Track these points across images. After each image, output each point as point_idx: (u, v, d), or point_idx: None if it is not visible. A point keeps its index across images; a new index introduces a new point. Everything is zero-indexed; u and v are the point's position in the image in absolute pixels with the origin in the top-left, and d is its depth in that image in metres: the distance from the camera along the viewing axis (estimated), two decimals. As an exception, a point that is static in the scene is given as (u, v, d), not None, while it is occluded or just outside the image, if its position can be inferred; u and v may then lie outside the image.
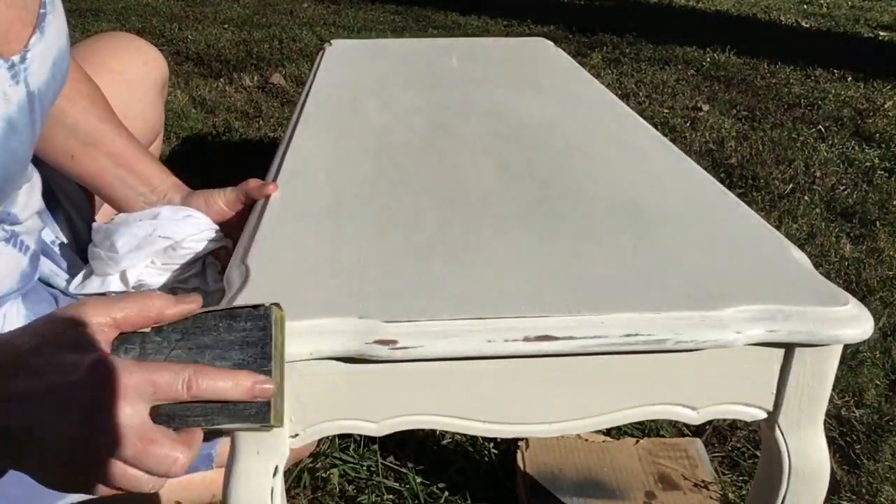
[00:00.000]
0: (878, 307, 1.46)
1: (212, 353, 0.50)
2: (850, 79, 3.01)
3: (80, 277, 0.85)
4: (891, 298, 1.50)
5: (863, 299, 1.47)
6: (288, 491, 1.02)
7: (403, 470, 1.06)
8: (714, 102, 2.71)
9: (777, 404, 0.59)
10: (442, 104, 1.08)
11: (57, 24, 0.73)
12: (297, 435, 0.58)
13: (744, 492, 1.03)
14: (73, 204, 0.96)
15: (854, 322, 0.56)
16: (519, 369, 0.56)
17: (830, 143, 2.33)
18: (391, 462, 1.08)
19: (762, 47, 3.41)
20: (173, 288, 0.83)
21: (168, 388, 0.48)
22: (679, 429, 1.15)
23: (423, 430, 1.09)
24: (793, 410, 0.59)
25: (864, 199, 1.94)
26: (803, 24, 4.13)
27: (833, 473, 0.99)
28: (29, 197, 0.80)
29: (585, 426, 0.60)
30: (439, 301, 0.57)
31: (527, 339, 0.54)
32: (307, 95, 1.12)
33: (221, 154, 2.17)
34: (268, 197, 0.76)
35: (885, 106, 2.66)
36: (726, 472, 1.08)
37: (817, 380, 0.58)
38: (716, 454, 1.11)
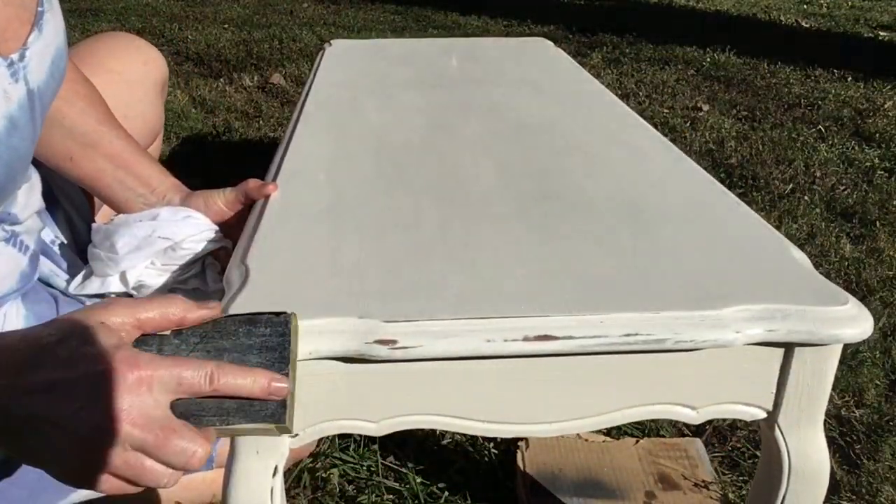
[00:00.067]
0: (878, 307, 1.46)
1: (230, 357, 0.51)
2: (850, 79, 3.01)
3: (79, 278, 0.85)
4: (891, 298, 1.50)
5: (863, 299, 1.47)
6: (288, 491, 1.02)
7: (403, 470, 1.06)
8: (714, 102, 2.71)
9: (777, 404, 0.59)
10: (442, 104, 1.08)
11: (55, 22, 0.73)
12: (296, 435, 0.58)
13: (744, 492, 1.03)
14: (73, 204, 0.96)
15: (854, 322, 0.56)
16: (518, 369, 0.56)
17: (830, 143, 2.33)
18: (391, 462, 1.08)
19: (762, 47, 3.41)
20: (173, 288, 0.83)
21: (192, 380, 0.48)
22: (679, 429, 1.15)
23: (423, 430, 1.09)
24: (792, 410, 0.59)
25: (864, 199, 1.94)
26: (803, 24, 4.13)
27: (833, 473, 0.99)
28: (29, 197, 0.80)
29: (585, 426, 0.60)
30: (439, 301, 0.57)
31: (526, 339, 0.54)
32: (307, 95, 1.12)
33: (221, 154, 2.17)
34: (267, 197, 0.76)
35: (885, 106, 2.66)
36: (726, 472, 1.08)
37: (817, 379, 0.58)
38: (716, 454, 1.11)
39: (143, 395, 0.47)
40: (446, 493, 1.03)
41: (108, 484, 0.48)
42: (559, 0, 4.78)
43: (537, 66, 1.34)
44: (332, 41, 1.52)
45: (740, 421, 1.13)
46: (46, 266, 0.87)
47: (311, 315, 0.55)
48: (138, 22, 3.85)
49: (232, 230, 0.85)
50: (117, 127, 0.89)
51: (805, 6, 4.69)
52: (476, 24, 4.03)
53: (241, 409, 0.50)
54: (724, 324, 0.55)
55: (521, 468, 1.01)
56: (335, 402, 0.57)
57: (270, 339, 0.51)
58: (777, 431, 0.60)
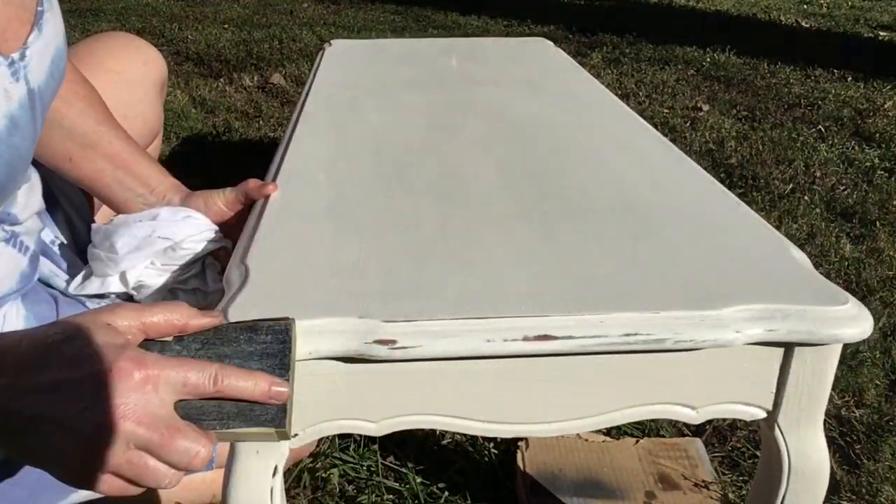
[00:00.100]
0: (878, 307, 1.46)
1: (231, 363, 0.51)
2: (850, 79, 3.01)
3: (79, 278, 0.85)
4: (891, 298, 1.50)
5: (863, 299, 1.47)
6: (288, 491, 1.02)
7: (403, 470, 1.06)
8: (714, 102, 2.71)
9: (777, 404, 0.59)
10: (442, 104, 1.08)
11: (54, 22, 0.73)
12: (296, 435, 0.58)
13: (744, 492, 1.03)
14: (73, 205, 0.96)
15: (853, 321, 0.56)
16: (518, 369, 0.56)
17: (830, 143, 2.33)
18: (391, 462, 1.08)
19: (762, 47, 3.41)
20: (173, 289, 0.83)
21: (196, 381, 0.49)
22: (679, 429, 1.15)
23: (422, 430, 1.09)
24: (792, 410, 0.59)
25: (864, 199, 1.94)
26: (803, 24, 4.13)
27: (833, 473, 0.99)
28: (28, 197, 0.80)
29: (585, 426, 0.60)
30: (438, 301, 0.57)
31: (526, 339, 0.54)
32: (307, 95, 1.12)
33: (221, 154, 2.17)
34: (267, 197, 0.76)
35: (885, 106, 2.66)
36: (726, 472, 1.08)
37: (817, 379, 0.58)
38: (716, 454, 1.11)
39: (148, 394, 0.47)
40: (446, 493, 1.03)
41: (110, 484, 0.48)
42: (559, 0, 4.78)
43: (537, 66, 1.34)
44: (332, 41, 1.52)
45: (740, 421, 1.13)
46: (46, 266, 0.87)
47: (311, 315, 0.55)
48: (138, 22, 3.85)
49: (232, 230, 0.85)
50: (117, 127, 0.89)
51: (805, 6, 4.69)
52: (476, 24, 4.03)
53: (242, 413, 0.50)
54: (723, 324, 0.55)
55: (521, 468, 1.01)
56: (335, 402, 0.57)
57: (271, 346, 0.52)
58: (777, 431, 0.60)
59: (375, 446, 1.10)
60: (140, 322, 0.51)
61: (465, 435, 1.08)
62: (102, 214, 1.01)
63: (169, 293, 0.83)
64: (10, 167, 0.68)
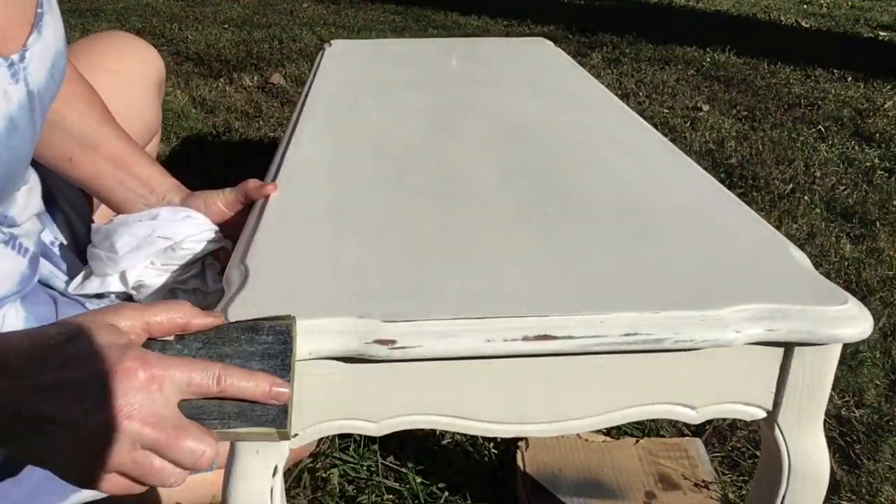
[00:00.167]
0: (878, 307, 1.46)
1: (232, 363, 0.51)
2: (850, 79, 3.01)
3: (79, 278, 0.85)
4: (891, 298, 1.50)
5: (863, 299, 1.47)
6: (288, 491, 1.02)
7: (403, 470, 1.06)
8: (714, 102, 2.71)
9: (777, 403, 0.59)
10: (442, 104, 1.08)
11: (54, 24, 0.73)
12: (296, 435, 0.58)
13: (744, 492, 1.03)
14: (72, 205, 0.96)
15: (853, 321, 0.56)
16: (518, 369, 0.56)
17: (830, 143, 2.33)
18: (391, 462, 1.08)
19: (762, 47, 3.41)
20: (173, 289, 0.83)
21: (200, 380, 0.49)
22: (679, 429, 1.15)
23: (423, 430, 1.09)
24: (792, 410, 0.59)
25: (864, 199, 1.94)
26: (803, 24, 4.13)
27: (833, 473, 0.99)
28: (28, 199, 0.80)
29: (585, 426, 0.60)
30: (439, 301, 0.57)
31: (526, 339, 0.54)
32: (307, 95, 1.12)
33: (221, 154, 2.17)
34: (267, 197, 0.76)
35: (885, 106, 2.66)
36: (726, 472, 1.08)
37: (817, 379, 0.58)
38: (716, 454, 1.11)
39: (153, 394, 0.47)
40: (446, 493, 1.03)
41: (114, 483, 0.48)
42: (559, 0, 4.78)
43: (537, 66, 1.34)
44: (332, 41, 1.53)
45: (740, 421, 1.13)
46: (46, 267, 0.87)
47: (311, 315, 0.55)
48: (138, 22, 3.85)
49: (232, 231, 0.85)
50: (117, 128, 0.89)
51: (805, 6, 4.69)
52: (476, 24, 4.03)
53: (243, 413, 0.50)
54: (723, 323, 0.55)
55: (521, 468, 1.01)
56: (335, 402, 0.57)
57: (273, 347, 0.52)
58: (777, 431, 0.60)
59: (375, 446, 1.10)
60: (143, 321, 0.51)
61: (465, 435, 1.08)
62: (101, 214, 1.01)
63: (169, 293, 0.83)
64: (9, 169, 0.67)
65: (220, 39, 3.46)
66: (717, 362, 0.57)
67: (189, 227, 0.83)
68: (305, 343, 0.53)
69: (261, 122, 2.44)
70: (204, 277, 0.83)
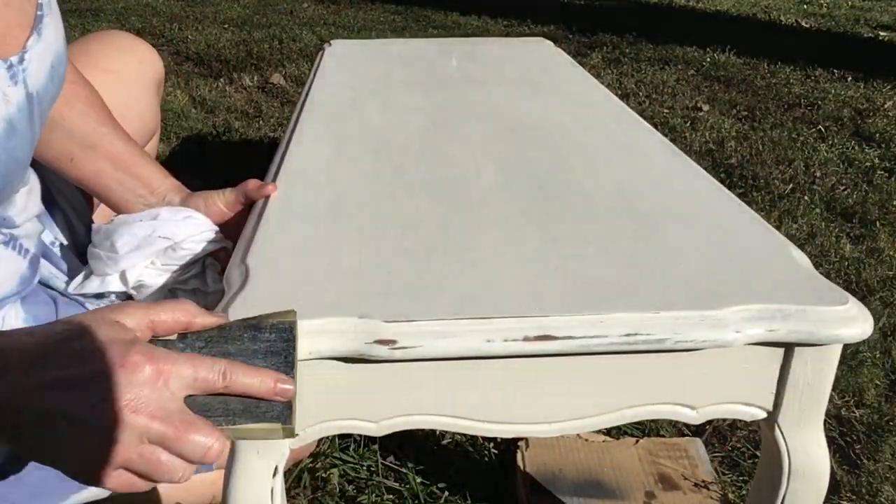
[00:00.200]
0: (878, 307, 1.46)
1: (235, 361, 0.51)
2: (850, 79, 3.01)
3: (79, 278, 0.85)
4: (891, 298, 1.50)
5: (863, 299, 1.47)
6: (288, 491, 1.02)
7: (403, 470, 1.06)
8: (714, 102, 2.71)
9: (777, 404, 0.59)
10: (442, 104, 1.08)
11: (54, 26, 0.73)
12: (297, 435, 0.58)
13: (744, 492, 1.03)
14: (72, 205, 0.96)
15: (854, 322, 0.56)
16: (519, 369, 0.56)
17: (830, 143, 2.33)
18: (391, 462, 1.08)
19: (762, 47, 3.41)
20: (173, 289, 0.83)
21: (206, 376, 0.49)
22: (679, 429, 1.15)
23: (423, 430, 1.09)
24: (793, 410, 0.59)
25: (864, 199, 1.94)
26: (803, 24, 4.13)
27: (833, 473, 0.99)
28: (27, 201, 0.80)
29: (585, 426, 0.60)
30: (439, 301, 0.57)
31: (526, 339, 0.54)
32: (307, 95, 1.12)
33: (221, 154, 2.17)
34: (267, 197, 0.76)
35: (885, 106, 2.66)
36: (726, 472, 1.08)
37: (817, 379, 0.58)
38: (716, 454, 1.11)
39: (160, 389, 0.47)
40: (446, 493, 1.03)
41: (120, 480, 0.48)
42: (559, 0, 4.78)
43: (537, 66, 1.34)
44: (332, 41, 1.52)
45: (740, 421, 1.13)
46: (45, 268, 0.86)
47: (312, 315, 0.55)
48: (138, 22, 3.85)
49: (232, 231, 0.85)
50: (117, 128, 0.89)
51: (805, 6, 4.69)
52: (476, 24, 4.03)
53: (247, 409, 0.50)
54: (724, 324, 0.55)
55: (521, 468, 1.01)
56: (335, 402, 0.57)
57: (275, 345, 0.52)
58: (777, 431, 0.60)
59: (375, 446, 1.10)
60: (148, 319, 0.51)
61: (465, 435, 1.08)
62: (101, 214, 1.01)
63: (169, 293, 0.83)
64: (7, 171, 0.67)
65: (220, 39, 3.46)
66: (717, 362, 0.57)
67: (189, 228, 0.83)
68: (306, 343, 0.53)
69: (261, 122, 2.44)
70: (204, 278, 0.83)
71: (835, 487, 1.04)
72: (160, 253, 0.81)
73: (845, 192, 1.98)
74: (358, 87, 1.17)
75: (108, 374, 0.46)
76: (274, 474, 0.57)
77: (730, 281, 0.59)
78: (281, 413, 0.50)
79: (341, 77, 1.24)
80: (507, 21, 4.09)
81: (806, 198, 1.94)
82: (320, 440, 1.08)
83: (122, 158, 0.87)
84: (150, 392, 0.47)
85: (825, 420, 0.61)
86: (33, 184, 0.83)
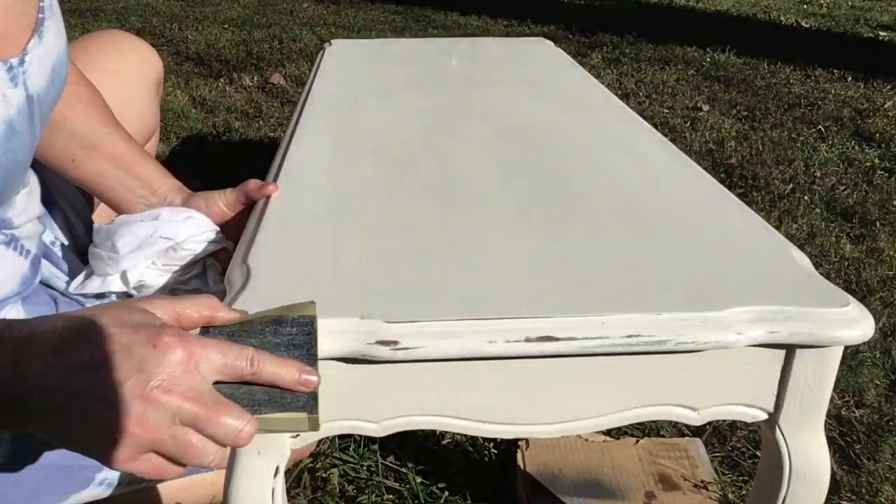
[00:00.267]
0: (878, 307, 1.46)
1: None
2: (850, 79, 3.01)
3: (80, 278, 0.85)
4: (891, 298, 1.50)
5: (863, 299, 1.47)
6: (288, 491, 1.02)
7: (403, 470, 1.06)
8: (714, 102, 2.71)
9: (778, 405, 0.59)
10: (442, 104, 1.08)
11: (55, 29, 0.73)
12: (297, 435, 0.58)
13: (744, 492, 1.03)
14: (72, 206, 0.96)
15: (855, 324, 0.56)
16: (520, 370, 0.56)
17: (830, 143, 2.33)
18: (391, 462, 1.08)
19: (762, 47, 3.41)
20: (174, 289, 0.83)
21: (235, 362, 0.49)
22: (679, 429, 1.15)
23: (423, 430, 1.09)
24: (794, 412, 0.59)
25: (864, 199, 1.94)
26: (803, 24, 4.13)
27: (833, 473, 0.99)
28: (27, 202, 0.80)
29: (586, 427, 0.60)
30: (441, 301, 0.57)
31: (528, 340, 0.54)
32: (307, 95, 1.12)
33: (221, 154, 2.17)
34: (268, 197, 0.76)
35: (885, 106, 2.66)
36: (726, 472, 1.08)
37: (818, 381, 0.58)
38: (716, 454, 1.11)
39: (191, 371, 0.47)
40: (446, 493, 1.03)
41: (150, 463, 0.48)
42: (559, 0, 4.78)
43: (537, 66, 1.34)
44: (332, 41, 1.52)
45: (740, 421, 1.13)
46: (46, 268, 0.86)
47: (313, 316, 0.54)
48: (138, 22, 3.85)
49: (233, 231, 0.85)
50: (118, 128, 0.89)
51: (805, 6, 4.69)
52: (476, 24, 4.03)
53: (273, 399, 0.50)
54: (725, 325, 0.55)
55: (522, 468, 1.01)
56: (337, 402, 0.57)
57: (297, 338, 0.52)
58: (778, 433, 0.60)
59: (375, 446, 1.10)
60: (174, 312, 0.51)
61: (465, 435, 1.08)
62: (102, 215, 1.01)
63: (170, 294, 0.83)
64: (7, 173, 0.67)
65: (220, 39, 3.46)
66: (718, 364, 0.57)
67: (190, 228, 0.83)
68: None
69: (261, 122, 2.44)
70: (205, 278, 0.83)
71: (835, 487, 1.04)
72: (161, 253, 0.81)
73: (845, 192, 1.98)
74: (358, 87, 1.17)
75: (140, 354, 0.46)
76: (275, 474, 0.57)
77: (731, 282, 0.59)
78: (306, 403, 0.50)
79: (341, 77, 1.24)
80: (507, 21, 4.09)
81: (806, 198, 1.94)
82: (320, 440, 1.08)
83: (124, 159, 0.87)
84: (182, 373, 0.47)
85: (825, 420, 0.61)
86: (33, 185, 0.83)
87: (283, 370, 0.50)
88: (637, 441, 1.07)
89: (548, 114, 1.04)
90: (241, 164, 2.01)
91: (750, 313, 0.56)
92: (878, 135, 2.39)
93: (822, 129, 2.44)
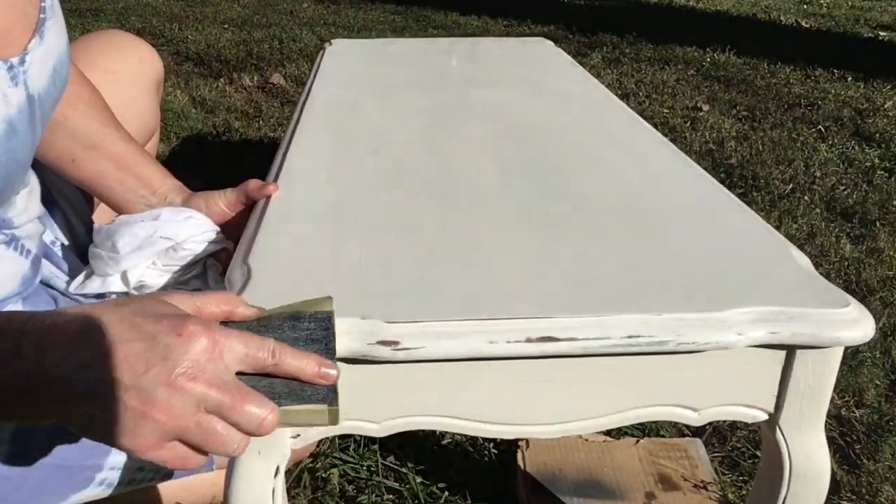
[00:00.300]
0: (878, 307, 1.46)
1: None
2: (850, 79, 3.01)
3: (80, 278, 0.85)
4: (891, 298, 1.50)
5: (863, 299, 1.47)
6: (288, 491, 1.02)
7: (403, 470, 1.06)
8: (714, 102, 2.71)
9: (778, 406, 0.59)
10: (442, 104, 1.08)
11: (57, 29, 0.73)
12: (298, 435, 0.58)
13: (744, 492, 1.03)
14: (72, 205, 0.96)
15: (856, 324, 0.56)
16: (521, 370, 0.56)
17: (830, 143, 2.33)
18: (391, 462, 1.08)
19: (762, 47, 3.41)
20: (174, 289, 0.83)
21: (257, 353, 0.49)
22: (679, 429, 1.15)
23: (423, 430, 1.09)
24: (794, 412, 0.59)
25: (864, 199, 1.94)
26: (803, 24, 4.13)
27: (833, 473, 0.99)
28: (28, 202, 0.80)
29: (587, 427, 0.60)
30: (441, 302, 0.57)
31: (529, 341, 0.54)
32: (307, 95, 1.12)
33: (221, 154, 2.17)
34: (268, 197, 0.76)
35: (885, 106, 2.66)
36: (726, 472, 1.08)
37: (819, 382, 0.58)
38: (716, 454, 1.11)
39: (216, 360, 0.47)
40: (446, 493, 1.03)
41: (174, 452, 0.48)
42: (559, 0, 4.78)
43: (537, 66, 1.34)
44: (332, 41, 1.52)
45: (740, 421, 1.13)
46: (46, 268, 0.86)
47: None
48: (138, 22, 3.85)
49: (233, 231, 0.85)
50: (119, 128, 0.89)
51: (805, 6, 4.69)
52: (476, 24, 4.03)
53: (293, 392, 0.50)
54: (726, 326, 0.55)
55: (522, 468, 1.01)
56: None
57: (315, 333, 0.52)
58: (778, 433, 0.60)
59: (375, 446, 1.10)
60: (195, 306, 0.51)
61: (465, 435, 1.08)
62: (102, 214, 1.01)
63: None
64: (8, 173, 0.67)
65: (220, 39, 3.46)
66: (718, 364, 0.57)
67: (191, 228, 0.82)
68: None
69: (261, 122, 2.44)
70: (205, 278, 0.83)
71: (835, 487, 1.04)
72: (161, 253, 0.81)
73: (845, 192, 1.98)
74: (358, 87, 1.17)
75: (165, 343, 0.46)
76: (275, 474, 0.57)
77: (731, 283, 0.59)
78: (327, 395, 0.51)
79: (341, 77, 1.24)
80: (507, 21, 4.09)
81: (806, 198, 1.94)
82: (320, 440, 1.08)
83: (124, 159, 0.87)
84: (207, 362, 0.47)
85: (825, 420, 0.61)
86: (34, 185, 0.83)
87: (303, 363, 0.50)
88: (637, 441, 1.07)
89: (548, 114, 1.04)
90: (241, 164, 2.01)
91: (751, 314, 0.56)
92: (878, 135, 2.40)
93: (822, 129, 2.44)
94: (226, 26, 3.81)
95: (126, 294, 0.83)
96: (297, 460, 1.05)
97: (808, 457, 0.61)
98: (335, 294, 0.58)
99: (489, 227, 0.69)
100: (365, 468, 1.07)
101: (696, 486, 1.00)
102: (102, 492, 0.80)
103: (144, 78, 1.10)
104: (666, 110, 2.61)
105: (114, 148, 0.87)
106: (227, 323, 0.52)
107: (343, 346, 0.53)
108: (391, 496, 1.03)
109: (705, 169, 0.85)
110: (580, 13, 4.38)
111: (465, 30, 3.90)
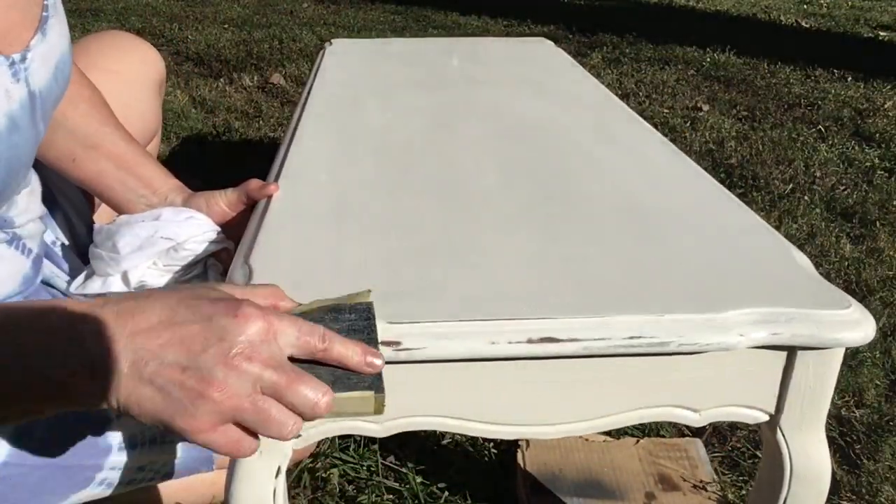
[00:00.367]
0: (878, 307, 1.46)
1: None
2: (850, 79, 3.01)
3: (81, 278, 0.85)
4: (891, 298, 1.50)
5: (863, 299, 1.47)
6: (288, 491, 1.02)
7: (403, 470, 1.06)
8: (714, 102, 2.71)
9: (779, 407, 0.59)
10: (442, 104, 1.08)
11: (59, 28, 0.73)
12: (299, 435, 0.58)
13: (744, 492, 1.03)
14: (73, 205, 0.96)
15: (856, 325, 0.56)
16: (522, 371, 0.56)
17: (830, 143, 2.33)
18: (391, 462, 1.08)
19: (762, 47, 3.41)
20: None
21: (308, 337, 0.49)
22: (679, 429, 1.15)
23: (423, 430, 1.09)
24: (795, 413, 0.59)
25: (864, 199, 1.94)
26: (803, 24, 4.13)
27: (833, 473, 0.99)
28: (29, 202, 0.80)
29: (588, 428, 0.60)
30: (442, 302, 0.57)
31: (530, 341, 0.54)
32: (307, 95, 1.12)
33: (221, 154, 2.17)
34: (269, 197, 0.76)
35: (885, 106, 2.66)
36: (726, 472, 1.08)
37: (819, 383, 0.58)
38: (716, 454, 1.11)
39: (270, 342, 0.48)
40: (446, 493, 1.03)
41: (227, 436, 0.47)
42: (559, 0, 4.78)
43: (537, 66, 1.34)
44: (332, 41, 1.52)
45: (741, 421, 1.13)
46: (47, 267, 0.86)
47: (315, 317, 0.54)
48: (138, 22, 3.85)
49: (234, 231, 0.85)
50: (120, 128, 0.89)
51: (805, 6, 4.69)
52: (476, 24, 4.03)
53: (340, 380, 0.50)
54: (727, 327, 0.55)
55: (522, 468, 1.01)
56: (338, 403, 0.57)
57: (357, 323, 0.52)
58: (779, 434, 0.60)
59: (375, 446, 1.10)
60: (244, 295, 0.52)
61: (465, 435, 1.08)
62: (102, 215, 1.01)
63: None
64: (10, 168, 0.67)
65: (220, 39, 3.46)
66: (719, 365, 0.57)
67: (191, 228, 0.82)
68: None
69: (261, 122, 2.44)
70: (206, 278, 0.83)
71: (835, 487, 1.04)
72: (162, 253, 0.81)
73: (845, 192, 1.98)
74: (359, 87, 1.17)
75: (222, 324, 0.47)
76: (276, 475, 0.57)
77: (732, 284, 0.60)
78: (374, 383, 0.50)
79: (341, 77, 1.24)
80: (507, 21, 4.09)
81: (806, 198, 1.94)
82: (320, 440, 1.08)
83: (125, 159, 0.87)
84: (262, 343, 0.47)
85: (825, 420, 0.61)
86: (35, 185, 0.83)
87: (350, 350, 0.50)
88: (637, 441, 1.07)
89: (548, 114, 1.04)
90: (241, 164, 2.01)
91: (752, 315, 0.56)
92: (878, 135, 2.40)
93: (822, 129, 2.44)
94: (226, 26, 3.81)
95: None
96: (298, 460, 1.05)
97: (809, 457, 0.61)
98: (336, 294, 0.58)
99: (489, 227, 0.69)
100: (365, 468, 1.07)
101: (696, 486, 1.00)
102: (102, 492, 0.80)
103: (146, 78, 1.10)
104: (666, 110, 2.61)
105: (114, 148, 0.87)
106: None
107: (344, 346, 0.53)
108: (391, 496, 1.03)
109: (705, 169, 0.85)
110: (580, 13, 4.38)
111: (465, 30, 3.90)
